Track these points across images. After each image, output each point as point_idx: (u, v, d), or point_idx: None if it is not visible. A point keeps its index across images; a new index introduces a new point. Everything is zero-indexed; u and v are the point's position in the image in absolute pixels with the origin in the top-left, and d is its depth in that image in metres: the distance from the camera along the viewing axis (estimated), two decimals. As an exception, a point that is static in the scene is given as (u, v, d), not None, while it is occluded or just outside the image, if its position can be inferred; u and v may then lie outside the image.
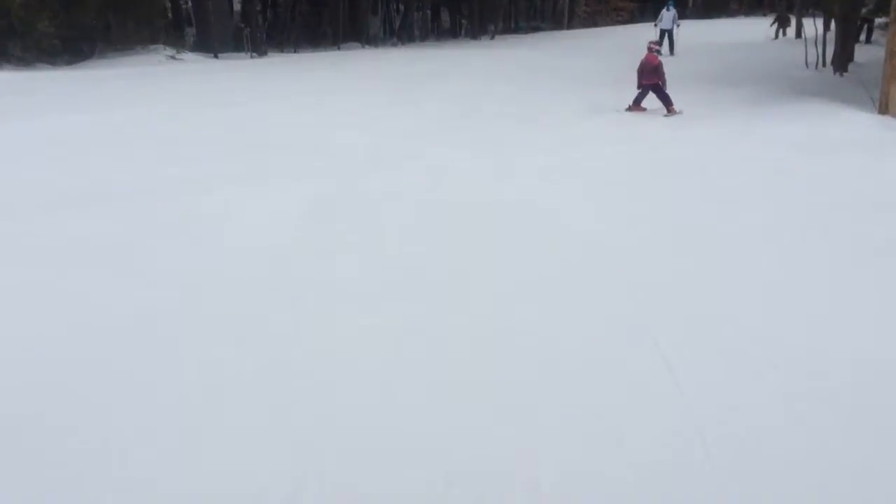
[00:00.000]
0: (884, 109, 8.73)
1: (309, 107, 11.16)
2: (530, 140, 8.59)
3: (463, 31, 35.78)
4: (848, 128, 7.99)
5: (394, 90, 13.27)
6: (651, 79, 10.10)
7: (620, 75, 15.22)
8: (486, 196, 5.90)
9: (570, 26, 37.83)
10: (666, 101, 10.10)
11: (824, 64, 14.92)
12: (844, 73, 13.64)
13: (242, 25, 22.92)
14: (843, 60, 13.68)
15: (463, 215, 5.36)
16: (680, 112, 9.99)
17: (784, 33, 23.78)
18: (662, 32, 20.13)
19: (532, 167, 6.97)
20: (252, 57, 21.35)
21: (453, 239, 4.78)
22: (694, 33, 21.86)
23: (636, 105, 10.40)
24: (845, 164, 6.82)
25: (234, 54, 21.59)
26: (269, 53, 22.70)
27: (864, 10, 15.36)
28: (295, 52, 25.24)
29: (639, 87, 10.31)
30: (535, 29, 37.27)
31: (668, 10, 20.45)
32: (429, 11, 35.54)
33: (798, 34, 22.74)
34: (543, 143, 8.35)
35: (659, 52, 10.39)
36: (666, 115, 9.97)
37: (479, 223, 5.14)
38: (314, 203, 5.63)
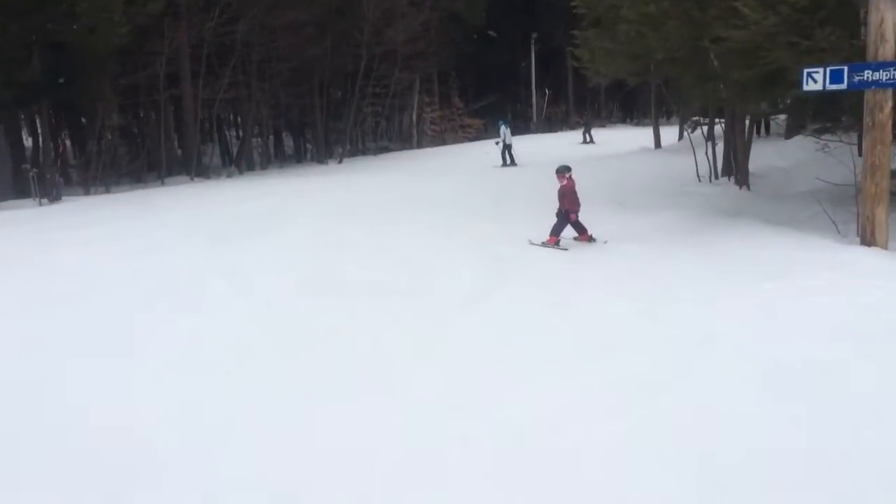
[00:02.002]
0: (871, 239, 6.54)
1: (64, 296, 7.31)
2: (426, 357, 5.15)
3: (308, 156, 33.24)
4: (890, 287, 5.44)
5: (210, 245, 9.80)
6: (574, 205, 8.59)
7: (498, 201, 12.85)
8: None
9: (419, 145, 36.60)
10: (580, 228, 8.78)
11: (717, 175, 13.37)
12: (750, 187, 11.94)
13: (27, 166, 18.62)
14: (744, 172, 12.02)
15: None
16: (605, 242, 8.58)
17: (589, 138, 28.10)
18: (507, 147, 20.78)
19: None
20: (41, 204, 17.17)
21: None
22: (537, 147, 21.09)
23: (556, 236, 8.62)
24: None
25: (18, 202, 17.31)
26: (68, 196, 18.57)
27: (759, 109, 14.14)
28: (108, 191, 21.21)
29: (559, 215, 8.63)
30: (384, 149, 35.56)
31: (506, 127, 21.28)
32: (270, 136, 32.71)
33: (658, 144, 22.15)
34: (455, 378, 4.73)
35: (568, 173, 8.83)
36: (577, 239, 8.77)
37: None
38: None
